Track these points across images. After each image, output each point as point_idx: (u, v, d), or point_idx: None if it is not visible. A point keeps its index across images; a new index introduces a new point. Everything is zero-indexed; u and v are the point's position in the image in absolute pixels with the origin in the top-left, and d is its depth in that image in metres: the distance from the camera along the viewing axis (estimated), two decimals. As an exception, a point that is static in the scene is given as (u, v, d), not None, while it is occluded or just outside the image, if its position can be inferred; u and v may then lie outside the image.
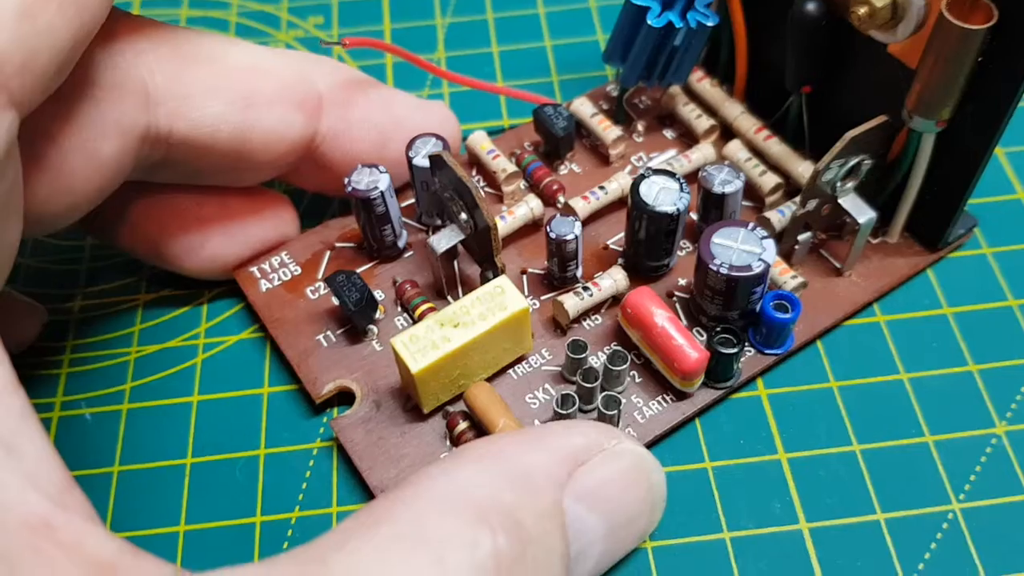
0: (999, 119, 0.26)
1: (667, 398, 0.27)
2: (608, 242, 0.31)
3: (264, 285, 0.30)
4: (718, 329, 0.27)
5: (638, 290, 0.27)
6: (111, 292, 0.32)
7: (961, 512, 0.26)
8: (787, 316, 0.27)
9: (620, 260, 0.30)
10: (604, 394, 0.26)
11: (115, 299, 0.32)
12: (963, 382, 0.28)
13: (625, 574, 0.25)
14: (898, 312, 0.30)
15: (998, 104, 0.26)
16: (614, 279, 0.29)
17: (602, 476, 0.22)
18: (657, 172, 0.28)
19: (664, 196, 0.27)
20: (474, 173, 0.33)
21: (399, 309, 0.30)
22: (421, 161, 0.29)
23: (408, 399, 0.28)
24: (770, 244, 0.26)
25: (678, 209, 0.27)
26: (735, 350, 0.27)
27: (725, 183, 0.29)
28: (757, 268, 0.26)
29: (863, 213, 0.28)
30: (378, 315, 0.29)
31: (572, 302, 0.28)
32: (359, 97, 0.30)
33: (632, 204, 0.28)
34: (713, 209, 0.29)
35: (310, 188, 0.32)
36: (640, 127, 0.34)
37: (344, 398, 0.29)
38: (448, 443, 0.27)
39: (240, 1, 0.41)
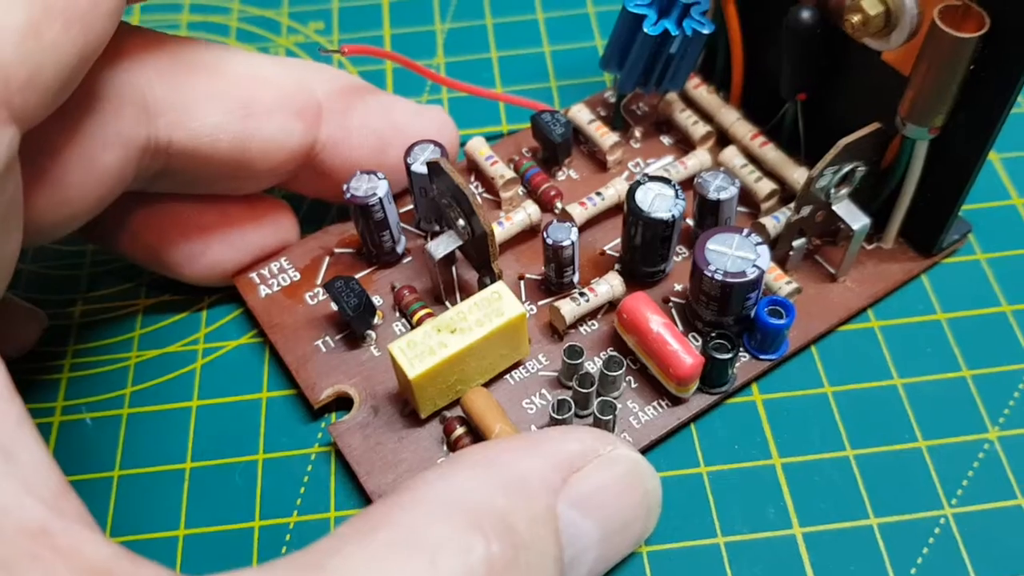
0: (991, 127, 0.26)
1: (663, 403, 0.28)
2: (605, 248, 0.31)
3: (263, 291, 0.31)
4: (713, 335, 0.27)
5: (634, 296, 0.28)
6: (111, 297, 0.32)
7: (953, 517, 0.26)
8: (781, 322, 0.27)
9: (617, 266, 0.30)
10: (600, 399, 0.26)
11: (115, 304, 0.32)
12: (956, 388, 0.29)
13: (620, 579, 0.25)
14: (892, 318, 0.30)
15: (991, 112, 0.26)
16: (610, 285, 0.29)
17: (597, 482, 0.22)
18: (653, 179, 0.28)
19: (659, 202, 0.28)
20: (472, 179, 0.33)
21: (397, 315, 0.30)
22: (419, 168, 0.29)
23: (406, 404, 0.28)
24: (764, 250, 0.27)
25: (673, 215, 0.27)
26: (729, 356, 0.27)
27: (720, 189, 0.29)
28: (751, 274, 0.26)
29: (857, 219, 0.29)
30: (376, 320, 0.30)
31: (568, 308, 0.28)
32: (358, 104, 0.30)
33: (628, 210, 0.28)
34: (708, 215, 0.30)
35: (309, 194, 0.32)
36: (637, 133, 0.34)
37: (342, 403, 0.29)
38: (445, 448, 0.27)
39: (241, 7, 0.42)
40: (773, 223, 0.30)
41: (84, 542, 0.17)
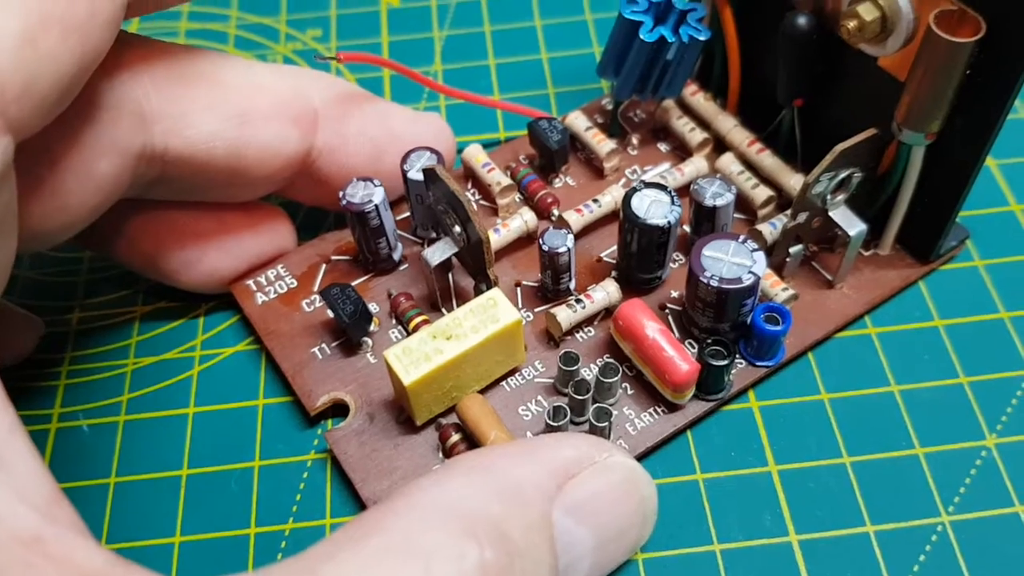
0: (989, 132, 0.26)
1: (659, 410, 0.28)
2: (602, 254, 0.31)
3: (260, 298, 0.31)
4: (709, 341, 0.27)
5: (629, 302, 0.28)
6: (108, 304, 0.32)
7: (950, 524, 0.26)
8: (777, 328, 0.27)
9: (613, 272, 0.30)
10: (595, 406, 0.26)
11: (112, 311, 0.32)
12: (954, 394, 0.29)
13: (616, 586, 0.25)
14: (889, 324, 0.30)
15: (987, 117, 0.26)
16: (607, 291, 0.29)
17: (592, 489, 0.22)
18: (649, 185, 0.28)
19: (655, 209, 0.28)
20: (469, 186, 0.33)
21: (394, 321, 0.30)
22: (415, 175, 0.29)
23: (401, 411, 0.28)
24: (760, 257, 0.27)
25: (669, 222, 0.27)
26: (726, 362, 0.27)
27: (716, 196, 0.29)
28: (747, 280, 0.26)
29: (853, 226, 0.29)
30: (373, 327, 0.30)
31: (565, 314, 0.28)
32: (354, 111, 0.30)
33: (624, 217, 0.28)
34: (705, 222, 0.30)
35: (306, 201, 0.32)
36: (635, 140, 0.34)
37: (338, 410, 0.29)
38: (440, 455, 0.27)
39: (239, 14, 0.42)
40: (770, 229, 0.30)
41: (77, 549, 0.17)
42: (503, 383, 0.28)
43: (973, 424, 0.28)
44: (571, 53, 0.39)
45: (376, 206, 0.29)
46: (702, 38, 0.30)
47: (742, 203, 0.31)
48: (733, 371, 0.28)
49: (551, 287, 0.30)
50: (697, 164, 0.32)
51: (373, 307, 0.30)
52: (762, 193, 0.31)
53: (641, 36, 0.30)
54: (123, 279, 0.33)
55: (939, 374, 0.29)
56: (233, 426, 0.29)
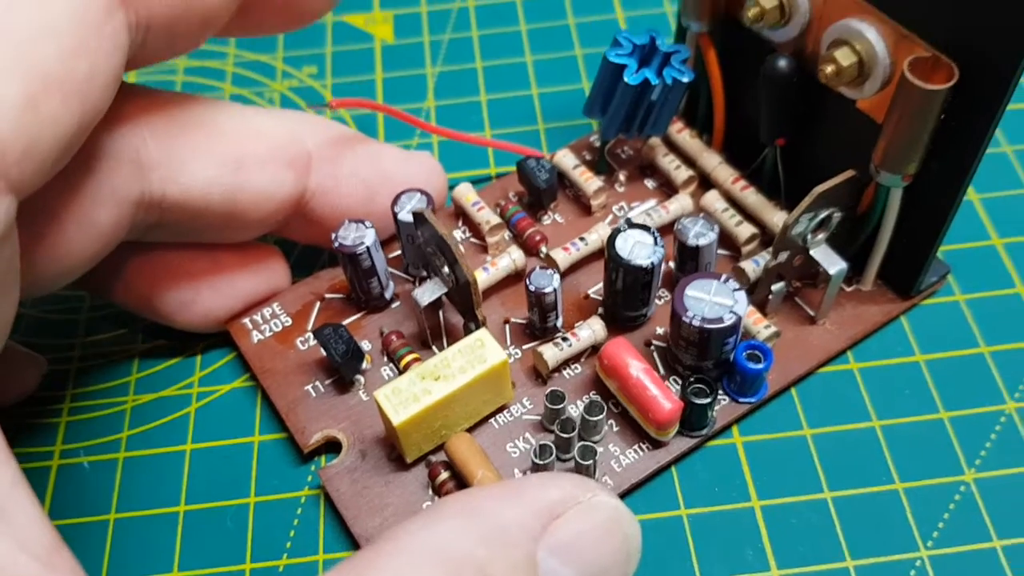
0: (964, 174, 0.27)
1: (643, 447, 0.28)
2: (589, 291, 0.32)
3: (256, 336, 0.31)
4: (692, 379, 0.28)
5: (614, 341, 0.28)
6: (108, 342, 0.33)
7: (929, 559, 0.26)
8: (759, 366, 0.28)
9: (600, 309, 0.31)
10: (581, 444, 0.27)
11: (112, 349, 0.33)
12: (934, 429, 0.29)
13: (601, 621, 0.26)
14: (871, 359, 0.31)
15: (962, 160, 0.27)
16: (592, 329, 0.30)
17: (576, 529, 0.23)
18: (633, 226, 0.29)
19: (639, 250, 0.28)
20: (460, 223, 0.34)
21: (385, 359, 0.31)
22: (406, 216, 0.30)
23: (392, 448, 0.28)
24: (742, 296, 0.27)
25: (652, 263, 0.28)
26: (708, 400, 0.27)
27: (699, 236, 0.30)
28: (729, 320, 0.27)
29: (834, 264, 0.29)
30: (365, 365, 0.30)
31: (551, 352, 0.29)
32: (347, 153, 0.31)
33: (608, 257, 0.29)
34: (689, 260, 0.30)
35: (301, 240, 0.33)
36: (622, 177, 0.35)
37: (332, 446, 0.30)
38: (430, 492, 0.28)
39: (236, 51, 0.43)
40: (753, 267, 0.31)
41: (76, 596, 0.18)
42: (491, 420, 0.29)
43: (952, 459, 0.28)
44: (561, 88, 0.40)
45: (367, 248, 0.29)
46: (685, 80, 0.31)
47: (726, 240, 0.32)
48: (716, 407, 0.29)
49: (539, 324, 0.30)
50: (682, 202, 0.33)
51: (365, 344, 0.31)
52: (746, 230, 0.32)
53: (625, 79, 0.31)
54: (123, 317, 0.34)
55: (920, 409, 0.30)
56: (229, 462, 0.30)
